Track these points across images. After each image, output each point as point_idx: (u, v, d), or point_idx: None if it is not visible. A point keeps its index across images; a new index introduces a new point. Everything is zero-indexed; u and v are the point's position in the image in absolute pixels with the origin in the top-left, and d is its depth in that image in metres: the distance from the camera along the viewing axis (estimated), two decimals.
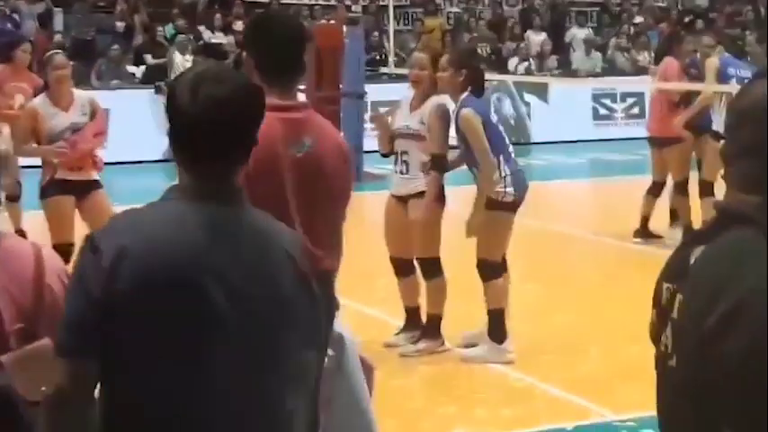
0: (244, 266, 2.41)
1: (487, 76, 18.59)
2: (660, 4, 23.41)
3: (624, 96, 19.64)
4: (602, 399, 6.28)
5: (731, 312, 1.84)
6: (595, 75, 20.40)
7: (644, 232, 10.56)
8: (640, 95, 18.90)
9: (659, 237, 10.39)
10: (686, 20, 11.12)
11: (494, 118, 7.31)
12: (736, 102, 2.02)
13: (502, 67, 19.84)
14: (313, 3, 21.17)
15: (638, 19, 22.70)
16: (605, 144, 18.38)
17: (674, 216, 10.68)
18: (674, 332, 1.98)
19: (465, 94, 6.99)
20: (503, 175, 6.88)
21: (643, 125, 18.85)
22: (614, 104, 19.72)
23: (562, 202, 14.25)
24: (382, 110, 8.93)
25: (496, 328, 6.94)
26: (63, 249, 7.04)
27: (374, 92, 15.82)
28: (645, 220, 10.56)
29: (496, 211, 6.89)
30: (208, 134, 2.42)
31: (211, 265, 2.38)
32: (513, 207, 6.95)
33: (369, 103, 16.24)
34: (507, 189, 6.89)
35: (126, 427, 2.42)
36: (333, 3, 21.20)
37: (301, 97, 4.10)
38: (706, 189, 10.14)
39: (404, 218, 7.12)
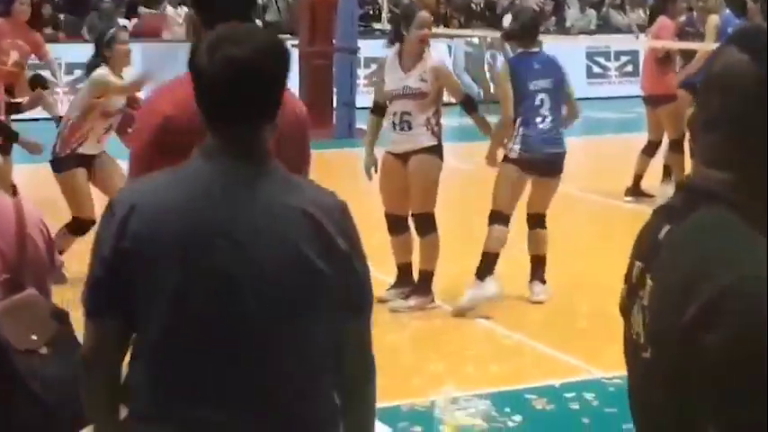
0: (251, 225, 2.38)
1: (481, 32, 18.56)
2: None
3: (618, 55, 19.58)
4: (591, 356, 6.31)
5: (713, 302, 1.70)
6: (590, 32, 20.32)
7: (635, 191, 10.58)
8: (634, 54, 18.84)
9: (651, 196, 10.40)
10: None
11: (532, 84, 7.38)
12: (708, 65, 1.87)
13: (496, 24, 19.75)
14: None
15: None
16: (599, 102, 18.35)
17: (667, 173, 10.69)
18: (645, 322, 1.87)
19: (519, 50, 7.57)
20: (515, 133, 7.16)
21: (637, 83, 18.79)
22: (608, 63, 19.66)
23: None
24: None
25: (483, 269, 7.07)
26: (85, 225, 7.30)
27: (367, 47, 15.76)
28: (638, 178, 10.58)
29: (503, 163, 7.23)
30: (225, 95, 2.41)
31: (218, 222, 2.39)
32: (516, 163, 7.16)
33: (362, 59, 16.17)
34: (514, 146, 7.15)
35: (142, 388, 2.45)
36: None
37: None
38: None
39: (402, 174, 7.17)
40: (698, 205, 1.80)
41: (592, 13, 20.89)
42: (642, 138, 10.78)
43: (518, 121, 7.19)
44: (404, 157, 7.20)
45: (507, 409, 5.51)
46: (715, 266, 1.72)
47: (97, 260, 2.42)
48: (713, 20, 10.32)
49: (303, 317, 2.43)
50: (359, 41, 15.17)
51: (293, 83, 11.29)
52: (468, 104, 7.51)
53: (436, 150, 7.18)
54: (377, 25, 17.49)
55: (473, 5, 20.57)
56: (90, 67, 7.77)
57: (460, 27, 19.07)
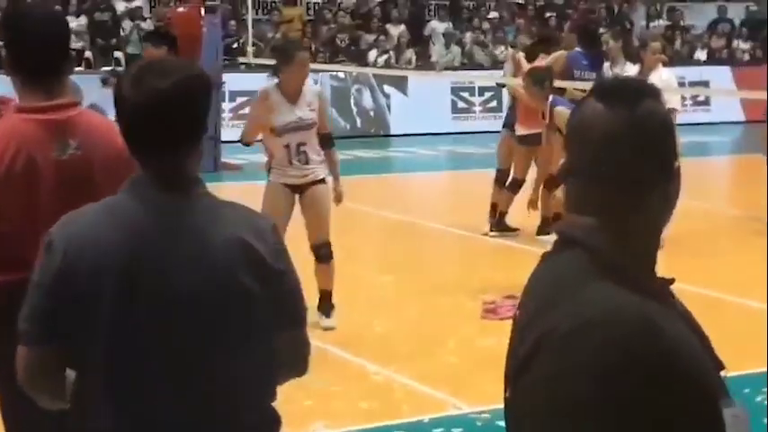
0: (180, 255, 2.45)
1: (347, 68, 18.65)
2: (517, 0, 23.72)
3: (482, 90, 19.85)
4: (459, 391, 6.29)
5: (535, 343, 1.76)
6: (454, 68, 20.57)
7: (500, 224, 10.65)
8: (498, 89, 19.14)
9: (515, 229, 10.49)
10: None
11: None
12: (569, 119, 1.94)
13: (362, 59, 19.84)
14: None
15: (494, 14, 22.98)
16: (463, 137, 18.55)
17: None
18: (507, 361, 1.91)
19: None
20: None
21: (500, 119, 19.04)
22: (472, 98, 19.92)
23: (419, 194, 14.32)
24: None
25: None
26: None
27: (232, 81, 15.62)
28: (501, 213, 10.65)
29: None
30: (152, 125, 2.48)
31: (150, 256, 2.44)
32: None
33: (227, 93, 16.04)
34: None
35: (85, 411, 2.52)
36: None
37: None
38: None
39: (291, 205, 7.32)
40: (562, 249, 1.86)
41: (456, 49, 21.15)
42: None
43: None
44: (299, 189, 7.29)
45: None
46: (545, 309, 1.79)
47: (36, 290, 2.50)
48: (560, 56, 10.49)
49: (240, 338, 2.50)
50: (224, 75, 15.04)
51: None
52: (329, 139, 7.55)
53: (325, 181, 7.42)
54: (242, 59, 17.38)
55: (338, 41, 20.63)
56: None
57: (326, 62, 19.09)
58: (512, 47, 21.14)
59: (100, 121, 3.55)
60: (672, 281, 1.87)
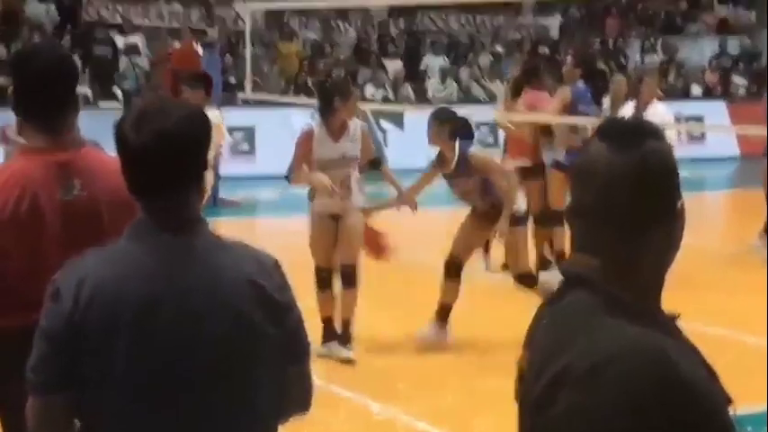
0: (192, 298, 2.45)
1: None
2: (514, 37, 23.86)
3: (478, 125, 19.89)
4: (462, 430, 6.29)
5: (554, 379, 1.79)
6: (450, 103, 20.63)
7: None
8: (494, 125, 19.19)
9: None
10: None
11: None
12: (576, 160, 1.97)
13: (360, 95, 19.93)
14: (176, 26, 20.87)
15: (493, 49, 23.10)
16: None
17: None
18: (518, 405, 1.93)
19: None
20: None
21: (498, 154, 18.97)
22: None
23: (416, 229, 14.30)
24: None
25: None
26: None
27: (230, 116, 15.68)
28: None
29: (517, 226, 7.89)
30: (155, 166, 2.48)
31: (159, 299, 2.44)
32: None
33: (225, 128, 16.05)
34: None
35: None
36: (200, 26, 21.00)
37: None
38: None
39: (334, 230, 7.57)
40: (569, 290, 1.88)
41: (452, 84, 21.25)
42: None
43: None
44: (339, 216, 7.58)
45: None
46: (560, 348, 1.80)
47: (44, 339, 2.47)
48: (565, 91, 10.48)
49: (249, 374, 2.52)
50: (222, 110, 15.07)
51: None
52: (378, 162, 8.00)
53: (362, 208, 7.68)
54: (241, 94, 17.43)
55: (335, 76, 20.71)
56: None
57: None
58: (507, 82, 21.31)
59: (106, 160, 3.48)
60: (677, 316, 1.90)
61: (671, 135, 10.35)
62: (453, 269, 7.95)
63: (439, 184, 8.17)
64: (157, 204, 2.50)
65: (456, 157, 7.82)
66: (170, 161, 2.47)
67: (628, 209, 1.84)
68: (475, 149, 8.01)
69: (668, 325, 1.87)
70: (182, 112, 2.51)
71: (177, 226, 2.50)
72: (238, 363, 2.50)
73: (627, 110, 10.50)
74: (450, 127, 7.84)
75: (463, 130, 7.96)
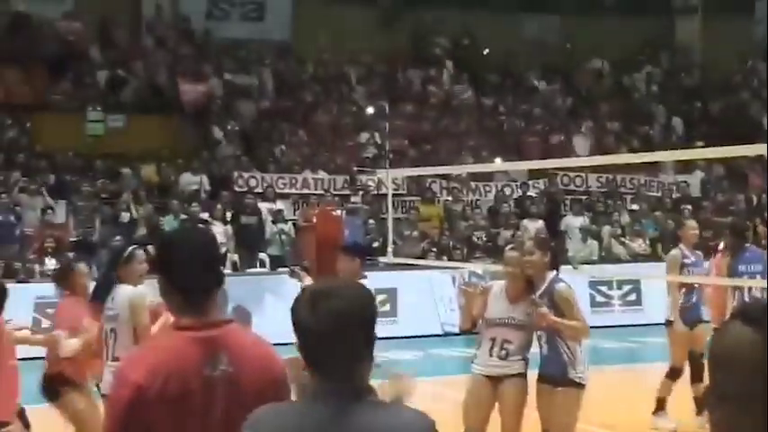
0: None
1: (484, 264, 18.80)
2: (654, 193, 23.77)
3: (620, 284, 19.76)
4: None
5: None
6: (591, 262, 20.57)
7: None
8: (636, 282, 19.04)
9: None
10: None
11: None
12: (712, 344, 1.90)
13: (498, 255, 19.99)
14: (315, 192, 21.51)
15: (633, 207, 23.03)
16: (602, 331, 18.36)
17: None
18: None
19: (554, 273, 7.53)
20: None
21: (640, 312, 18.76)
22: (611, 291, 19.81)
23: None
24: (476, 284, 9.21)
25: None
26: None
27: (373, 280, 15.91)
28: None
29: (572, 388, 7.43)
30: (330, 344, 2.68)
31: None
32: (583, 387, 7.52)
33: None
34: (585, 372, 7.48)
35: None
36: (344, 191, 21.58)
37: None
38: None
39: (491, 397, 7.52)
40: None
41: (593, 243, 21.19)
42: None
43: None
44: (495, 380, 7.51)
45: None
46: None
47: None
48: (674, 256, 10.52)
49: None
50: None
51: None
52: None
53: (525, 376, 7.56)
54: (383, 259, 17.74)
55: (474, 238, 20.91)
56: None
57: (463, 259, 19.32)
58: (650, 240, 21.16)
59: (253, 342, 3.61)
60: None
61: None
62: None
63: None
64: (333, 378, 2.71)
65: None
66: (347, 341, 2.69)
67: None
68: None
69: None
70: (352, 293, 2.75)
71: (350, 393, 2.70)
72: None
73: None
74: None
75: None
